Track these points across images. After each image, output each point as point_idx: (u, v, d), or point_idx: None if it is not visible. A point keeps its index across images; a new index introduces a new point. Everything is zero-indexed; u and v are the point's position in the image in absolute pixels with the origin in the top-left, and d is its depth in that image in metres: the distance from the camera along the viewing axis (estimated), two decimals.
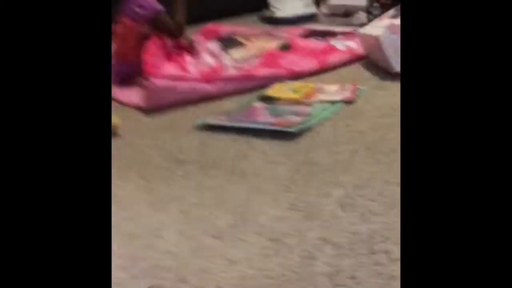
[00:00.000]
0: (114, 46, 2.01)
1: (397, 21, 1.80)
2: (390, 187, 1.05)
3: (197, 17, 3.25)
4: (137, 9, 1.92)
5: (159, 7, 1.96)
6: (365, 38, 1.97)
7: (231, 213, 1.03)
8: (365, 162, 1.19)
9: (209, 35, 2.40)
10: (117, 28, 2.00)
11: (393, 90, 1.68)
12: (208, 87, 1.77)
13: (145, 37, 1.92)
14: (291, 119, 1.45)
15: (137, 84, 1.88)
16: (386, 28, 1.77)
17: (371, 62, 1.95)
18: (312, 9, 3.18)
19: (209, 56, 2.04)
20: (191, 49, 2.05)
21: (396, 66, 1.73)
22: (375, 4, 2.40)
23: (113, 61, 2.01)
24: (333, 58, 2.04)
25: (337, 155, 1.24)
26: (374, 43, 1.82)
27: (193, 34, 2.50)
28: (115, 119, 1.53)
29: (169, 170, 1.25)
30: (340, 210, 1.01)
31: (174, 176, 1.22)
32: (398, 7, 1.98)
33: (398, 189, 0.97)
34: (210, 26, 2.62)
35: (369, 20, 2.26)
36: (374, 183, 1.08)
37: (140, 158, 1.35)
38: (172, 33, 2.00)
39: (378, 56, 1.84)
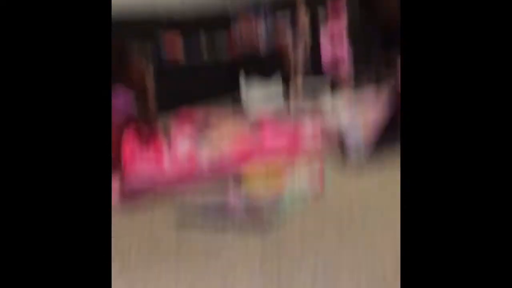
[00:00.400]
0: None
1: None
2: None
3: (171, 101, 3.36)
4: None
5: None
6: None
7: None
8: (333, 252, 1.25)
9: (183, 120, 2.49)
10: None
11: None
12: (184, 186, 1.83)
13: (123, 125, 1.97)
14: (263, 214, 1.52)
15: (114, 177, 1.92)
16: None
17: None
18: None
19: (185, 140, 2.11)
20: (166, 137, 2.12)
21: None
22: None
23: None
24: (303, 138, 2.14)
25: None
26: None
27: (167, 119, 2.59)
28: None
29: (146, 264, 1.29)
30: None
31: (152, 271, 1.25)
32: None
33: None
34: (184, 110, 2.72)
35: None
36: None
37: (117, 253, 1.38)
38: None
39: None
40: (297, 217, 1.50)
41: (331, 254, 1.25)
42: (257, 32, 3.72)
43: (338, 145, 1.95)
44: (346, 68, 3.18)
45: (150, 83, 2.13)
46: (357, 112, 1.92)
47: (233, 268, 1.23)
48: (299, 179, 1.75)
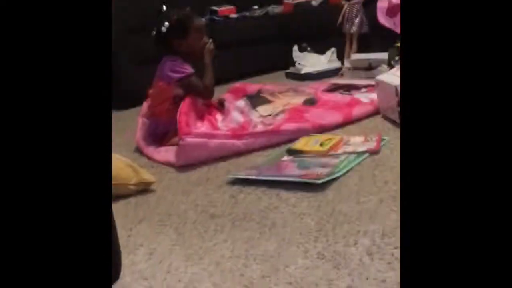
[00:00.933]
0: (149, 108, 2.14)
1: None
2: None
3: (226, 76, 3.41)
4: (170, 73, 2.05)
5: (190, 70, 2.09)
6: (382, 86, 2.02)
7: (262, 264, 1.07)
8: (391, 211, 1.22)
9: (237, 94, 2.52)
10: (152, 91, 2.13)
11: None
12: (237, 143, 1.85)
13: (178, 99, 2.04)
14: (318, 171, 1.50)
15: (171, 143, 1.98)
16: None
17: (387, 111, 2.00)
18: (336, 64, 3.29)
19: (238, 114, 2.13)
20: (221, 108, 2.16)
21: None
22: (397, 58, 2.47)
23: (149, 122, 2.13)
24: (358, 111, 2.11)
25: (363, 205, 1.28)
26: (390, 91, 1.87)
27: (222, 93, 2.62)
28: (150, 176, 1.62)
29: (202, 224, 1.31)
30: (368, 258, 1.03)
31: (207, 230, 1.27)
32: None
33: None
34: (238, 84, 2.74)
35: None
36: (399, 231, 1.11)
37: (174, 212, 1.41)
38: (202, 95, 2.11)
39: (393, 104, 1.89)
40: (352, 177, 1.47)
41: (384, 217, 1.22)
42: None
43: (393, 103, 1.88)
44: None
45: (208, 60, 2.16)
46: None
47: (287, 227, 1.23)
48: (355, 144, 1.71)
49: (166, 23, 2.07)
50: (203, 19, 3.56)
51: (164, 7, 2.15)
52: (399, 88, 1.80)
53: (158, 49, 2.16)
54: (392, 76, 1.95)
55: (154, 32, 2.11)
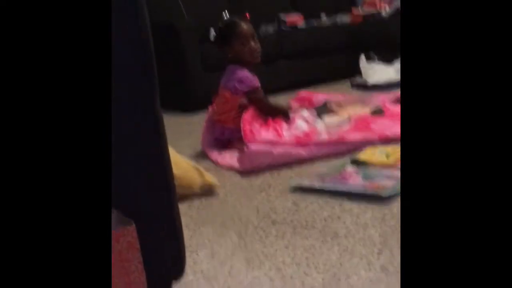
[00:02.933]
0: (215, 114, 2.19)
1: None
2: None
3: (292, 84, 3.43)
4: (237, 84, 2.09)
5: (257, 83, 2.11)
6: None
7: (323, 273, 1.06)
8: None
9: (303, 102, 2.52)
10: (218, 99, 2.18)
11: None
12: (301, 151, 1.85)
13: (243, 108, 2.07)
14: (383, 183, 1.46)
15: (235, 148, 2.01)
16: None
17: None
18: None
19: (303, 122, 2.13)
20: (286, 117, 2.16)
21: None
22: None
23: (215, 127, 2.17)
24: None
25: None
26: None
27: (288, 100, 2.63)
28: (214, 180, 1.65)
29: (263, 229, 1.31)
30: None
31: (268, 235, 1.27)
32: None
33: None
34: (304, 92, 2.74)
35: None
36: None
37: (236, 216, 1.43)
38: (263, 110, 2.13)
39: None
40: None
41: None
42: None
43: None
44: None
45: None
46: None
47: (350, 238, 1.20)
48: None
49: (213, 32, 2.13)
50: (271, 28, 3.62)
51: (225, 15, 2.20)
52: None
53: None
54: None
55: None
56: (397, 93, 2.66)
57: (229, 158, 1.97)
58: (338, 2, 4.07)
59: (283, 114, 2.15)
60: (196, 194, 1.59)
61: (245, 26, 2.16)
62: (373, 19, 3.74)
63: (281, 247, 1.20)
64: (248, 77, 2.11)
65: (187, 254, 1.10)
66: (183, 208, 1.48)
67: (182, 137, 2.40)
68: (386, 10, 3.73)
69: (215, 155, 2.05)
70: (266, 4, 3.68)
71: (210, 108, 2.27)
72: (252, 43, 2.15)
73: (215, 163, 2.00)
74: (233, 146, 2.06)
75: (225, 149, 2.08)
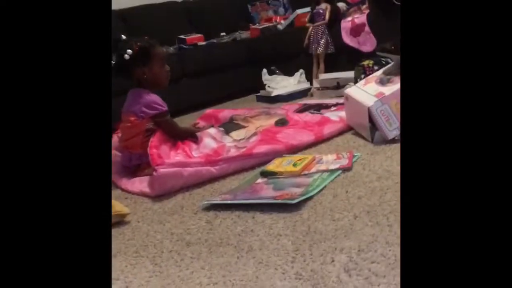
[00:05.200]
0: (121, 141, 2.12)
1: (385, 89, 1.90)
2: (392, 248, 1.09)
3: (197, 103, 3.42)
4: (144, 109, 2.03)
5: (165, 107, 2.07)
6: (351, 101, 2.04)
7: None
8: (366, 226, 1.23)
9: (209, 120, 2.52)
10: (122, 125, 2.11)
11: (387, 154, 1.75)
12: (211, 169, 1.85)
13: (151, 132, 2.02)
14: (292, 191, 1.51)
15: (145, 173, 1.96)
16: (378, 100, 1.85)
17: (356, 127, 2.03)
18: (305, 85, 3.35)
19: (211, 140, 2.12)
20: (194, 138, 2.14)
21: (389, 134, 1.83)
22: (363, 75, 2.53)
23: (121, 155, 2.11)
24: (328, 129, 2.13)
25: (338, 222, 1.29)
26: (363, 111, 1.90)
27: (194, 119, 2.62)
28: (124, 208, 1.60)
29: (178, 253, 1.29)
30: (345, 275, 1.03)
31: (184, 258, 1.26)
32: (381, 70, 2.09)
33: (399, 249, 1.01)
34: (210, 111, 2.75)
35: None
36: (376, 246, 1.12)
37: (150, 243, 1.39)
38: (172, 134, 2.09)
39: (364, 123, 1.92)
40: (326, 195, 1.48)
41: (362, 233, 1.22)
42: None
43: (367, 126, 1.91)
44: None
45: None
46: (382, 90, 1.88)
47: (264, 249, 1.22)
48: (328, 162, 1.73)
49: (129, 51, 2.03)
50: (171, 48, 3.60)
51: (123, 36, 2.13)
52: (372, 109, 1.83)
53: (120, 78, 2.04)
54: (361, 92, 1.98)
55: (113, 62, 2.05)
56: (299, 102, 2.76)
57: (139, 184, 1.93)
58: (236, 21, 4.16)
59: (191, 136, 2.13)
60: None
61: (160, 48, 2.12)
62: (270, 32, 3.86)
63: (197, 268, 1.19)
64: (157, 102, 2.06)
65: None
66: None
67: None
68: (281, 23, 3.86)
69: (124, 182, 1.99)
70: (164, 27, 3.66)
71: (114, 135, 2.20)
72: (167, 66, 2.13)
73: (125, 190, 1.94)
74: (142, 171, 2.01)
75: (134, 175, 2.03)
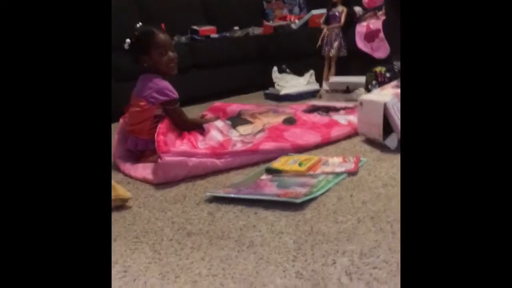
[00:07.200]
0: (128, 125, 2.12)
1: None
2: (395, 255, 1.08)
3: (205, 94, 3.42)
4: (155, 93, 2.02)
5: (176, 95, 2.07)
6: (367, 104, 2.00)
7: (240, 283, 1.06)
8: (369, 231, 1.22)
9: (217, 112, 2.51)
10: (131, 109, 2.11)
11: (393, 162, 1.74)
12: (216, 162, 1.84)
13: (159, 118, 2.02)
14: (296, 191, 1.50)
15: (149, 160, 1.96)
16: (393, 95, 1.83)
17: (368, 131, 2.01)
18: (314, 86, 3.34)
19: (218, 132, 2.12)
20: (201, 129, 2.14)
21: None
22: (374, 82, 2.52)
23: (127, 139, 2.10)
24: (336, 132, 2.12)
25: (341, 225, 1.28)
26: (378, 109, 1.86)
27: (200, 110, 2.62)
28: (126, 192, 1.59)
29: (178, 242, 1.29)
30: (346, 278, 1.03)
31: (184, 247, 1.25)
32: (399, 79, 2.08)
33: None
34: (218, 104, 2.74)
35: None
36: (378, 252, 1.11)
37: (150, 229, 1.39)
38: (179, 124, 2.09)
39: (378, 121, 1.88)
40: (331, 197, 1.48)
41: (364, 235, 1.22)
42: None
43: (379, 121, 1.88)
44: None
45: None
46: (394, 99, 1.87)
47: (265, 246, 1.21)
48: (333, 164, 1.72)
49: (128, 40, 2.06)
50: (183, 38, 3.60)
51: (138, 25, 2.14)
52: (389, 105, 1.80)
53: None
54: (377, 95, 1.96)
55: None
56: (307, 103, 2.76)
57: (143, 170, 1.92)
58: (250, 16, 4.15)
59: (198, 128, 2.13)
60: None
61: (162, 35, 2.11)
62: (283, 30, 3.85)
63: (197, 259, 1.19)
64: (168, 88, 2.06)
65: None
66: None
67: None
68: (295, 22, 3.85)
69: (127, 167, 1.99)
70: (179, 17, 3.66)
71: (121, 120, 2.20)
72: (170, 53, 2.12)
73: (128, 175, 1.94)
74: (147, 158, 2.00)
75: (138, 161, 2.03)
